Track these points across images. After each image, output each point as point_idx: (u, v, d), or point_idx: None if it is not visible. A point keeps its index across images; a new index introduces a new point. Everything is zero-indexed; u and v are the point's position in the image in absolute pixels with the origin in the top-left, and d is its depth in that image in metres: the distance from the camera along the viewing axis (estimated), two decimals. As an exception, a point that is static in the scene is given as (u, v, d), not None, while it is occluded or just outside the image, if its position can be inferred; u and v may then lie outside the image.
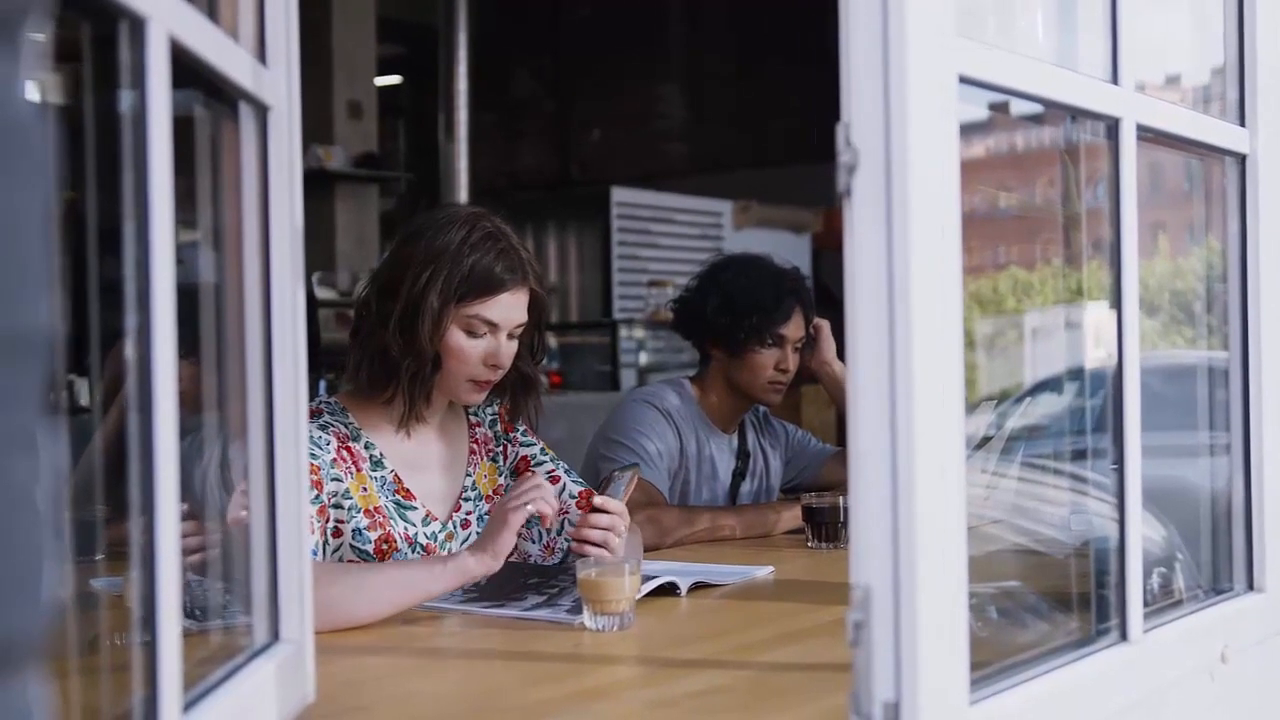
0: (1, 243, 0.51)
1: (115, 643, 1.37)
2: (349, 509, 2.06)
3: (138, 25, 0.96)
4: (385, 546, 2.08)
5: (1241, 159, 1.75)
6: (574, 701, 1.50)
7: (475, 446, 2.28)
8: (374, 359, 2.11)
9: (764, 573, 2.29)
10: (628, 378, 7.26)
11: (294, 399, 1.34)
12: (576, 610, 1.85)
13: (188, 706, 1.04)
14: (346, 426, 2.13)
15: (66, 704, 1.02)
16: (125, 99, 0.98)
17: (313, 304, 3.52)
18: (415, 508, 2.14)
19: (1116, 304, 1.47)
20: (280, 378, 1.33)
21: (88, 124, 0.99)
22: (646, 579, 1.98)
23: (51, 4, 0.61)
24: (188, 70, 1.07)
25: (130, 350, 0.97)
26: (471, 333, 2.10)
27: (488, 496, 2.26)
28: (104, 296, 0.98)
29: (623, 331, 7.40)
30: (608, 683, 1.60)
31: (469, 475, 2.25)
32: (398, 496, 2.13)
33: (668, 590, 2.05)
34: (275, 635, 1.33)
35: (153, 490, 0.97)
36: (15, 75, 0.53)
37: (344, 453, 2.09)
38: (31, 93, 0.55)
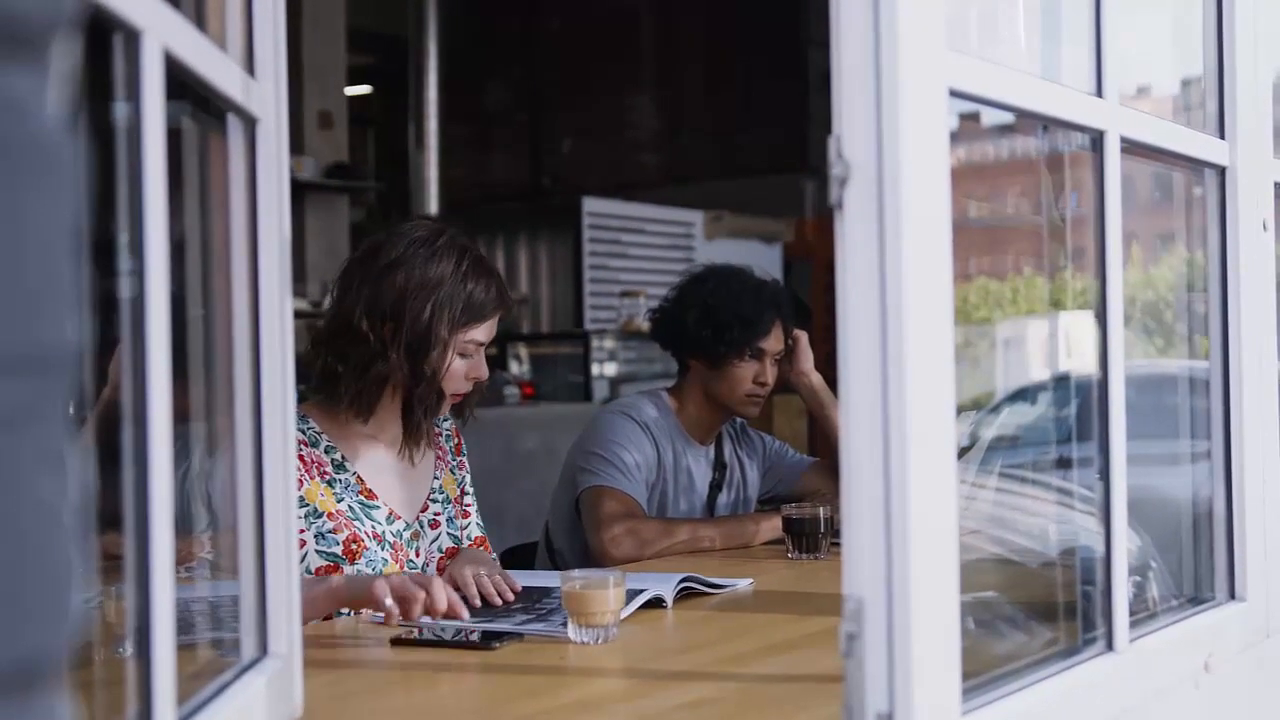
0: (29, 258, 0.51)
1: (98, 657, 1.36)
2: (306, 516, 2.11)
3: (132, 37, 0.95)
4: (354, 546, 2.15)
5: (1221, 171, 1.77)
6: (563, 715, 1.49)
7: (440, 453, 2.37)
8: (372, 384, 2.16)
9: (744, 585, 2.29)
10: (600, 388, 7.25)
11: (282, 411, 1.34)
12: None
13: (180, 723, 1.04)
14: (304, 432, 2.18)
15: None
16: (119, 110, 0.97)
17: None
18: (378, 506, 2.21)
19: (1101, 314, 1.48)
20: (269, 390, 1.32)
21: (79, 135, 0.98)
22: (632, 592, 1.97)
23: (77, 22, 0.61)
24: (177, 82, 1.06)
25: (124, 361, 0.97)
26: (464, 354, 2.21)
27: (453, 500, 2.35)
28: (94, 309, 0.97)
29: (595, 342, 7.38)
30: (595, 696, 1.60)
31: (436, 478, 2.34)
32: (361, 497, 2.20)
33: (652, 603, 2.05)
34: (264, 650, 1.32)
35: (147, 505, 0.96)
36: (42, 92, 0.53)
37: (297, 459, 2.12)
38: (57, 109, 0.54)
